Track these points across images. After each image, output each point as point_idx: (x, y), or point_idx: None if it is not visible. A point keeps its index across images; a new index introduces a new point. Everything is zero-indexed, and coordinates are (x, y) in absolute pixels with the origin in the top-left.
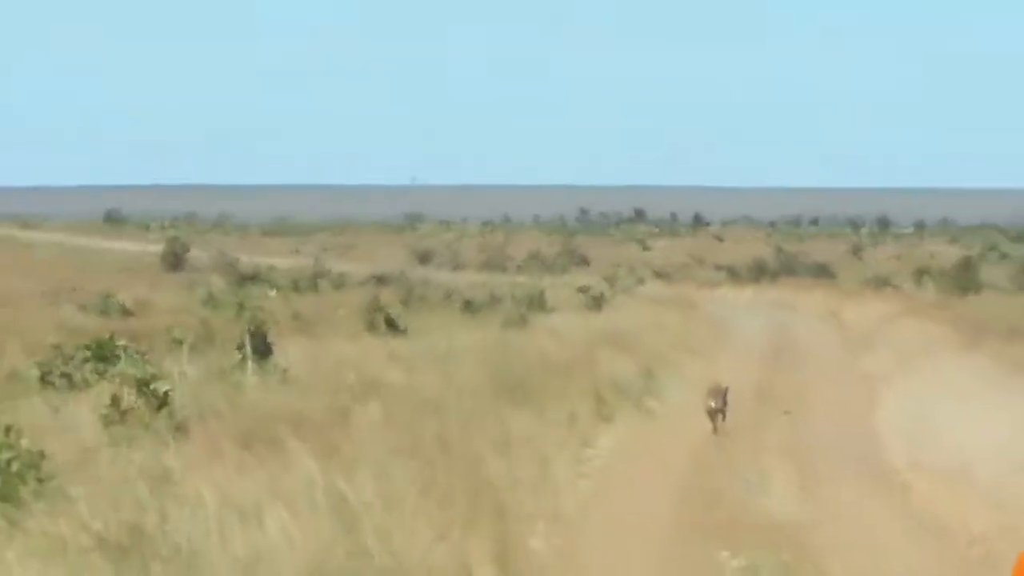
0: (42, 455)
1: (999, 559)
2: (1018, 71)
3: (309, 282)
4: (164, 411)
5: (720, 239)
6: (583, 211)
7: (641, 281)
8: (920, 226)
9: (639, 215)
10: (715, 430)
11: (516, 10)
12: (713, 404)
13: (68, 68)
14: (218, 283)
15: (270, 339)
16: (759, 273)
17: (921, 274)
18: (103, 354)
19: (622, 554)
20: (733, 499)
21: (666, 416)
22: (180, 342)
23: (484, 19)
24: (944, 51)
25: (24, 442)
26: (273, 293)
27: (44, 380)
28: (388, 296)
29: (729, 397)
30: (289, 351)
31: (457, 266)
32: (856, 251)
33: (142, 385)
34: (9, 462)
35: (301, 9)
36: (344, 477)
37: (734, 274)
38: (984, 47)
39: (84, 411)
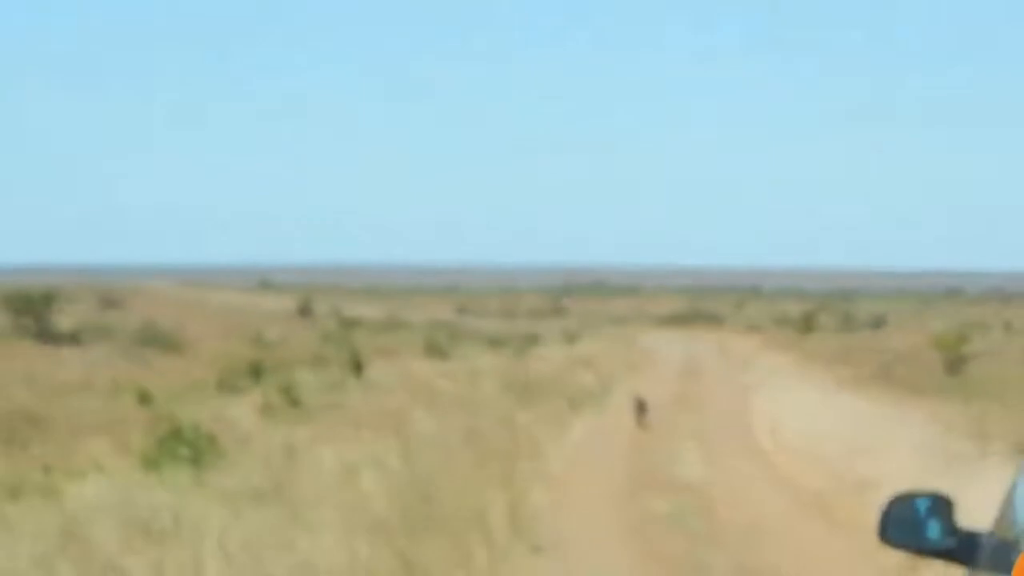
0: (215, 437)
1: (832, 505)
2: (855, 172)
3: (389, 325)
4: (298, 407)
5: (655, 297)
6: (566, 281)
7: (602, 325)
8: (780, 291)
9: (600, 283)
10: (639, 425)
11: (511, 130)
12: (638, 410)
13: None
14: (331, 326)
15: (364, 361)
16: (678, 320)
17: (779, 322)
18: (256, 371)
19: (590, 503)
20: (659, 467)
21: (615, 413)
22: (307, 363)
23: (486, 140)
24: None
25: (205, 427)
26: (367, 332)
27: (219, 388)
28: (439, 334)
29: (649, 405)
30: (376, 369)
31: (484, 316)
32: (738, 306)
33: (283, 390)
34: (196, 440)
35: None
36: (411, 449)
37: (662, 321)
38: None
39: (244, 408)
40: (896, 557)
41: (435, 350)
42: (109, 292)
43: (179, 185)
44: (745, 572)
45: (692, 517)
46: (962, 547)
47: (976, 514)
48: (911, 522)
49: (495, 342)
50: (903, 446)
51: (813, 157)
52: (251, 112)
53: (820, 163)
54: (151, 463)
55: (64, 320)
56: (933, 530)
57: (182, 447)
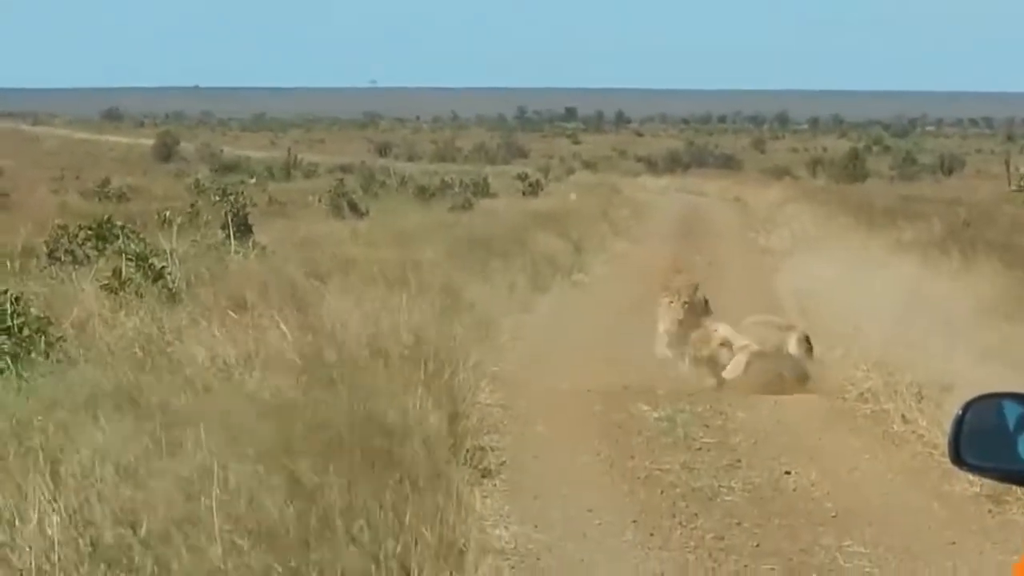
0: (49, 321)
1: (883, 411)
2: None
3: (282, 171)
4: (159, 283)
5: (640, 134)
6: (521, 110)
7: (571, 171)
8: (814, 123)
9: (570, 113)
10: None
11: None
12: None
13: None
14: (203, 172)
15: (250, 220)
16: (673, 164)
17: (815, 164)
18: (102, 233)
19: (556, 409)
20: (651, 362)
21: (592, 286)
22: (170, 223)
23: None
24: None
25: (33, 310)
26: (252, 181)
27: (51, 256)
28: (351, 183)
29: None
30: (266, 231)
31: (412, 157)
32: (758, 144)
33: (140, 260)
34: (20, 327)
35: None
36: (314, 339)
37: (652, 165)
38: None
39: (87, 283)
40: None
41: (346, 204)
42: None
43: None
44: None
45: None
46: None
47: None
48: (996, 435)
49: (428, 193)
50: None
51: None
52: None
53: None
54: None
55: None
56: None
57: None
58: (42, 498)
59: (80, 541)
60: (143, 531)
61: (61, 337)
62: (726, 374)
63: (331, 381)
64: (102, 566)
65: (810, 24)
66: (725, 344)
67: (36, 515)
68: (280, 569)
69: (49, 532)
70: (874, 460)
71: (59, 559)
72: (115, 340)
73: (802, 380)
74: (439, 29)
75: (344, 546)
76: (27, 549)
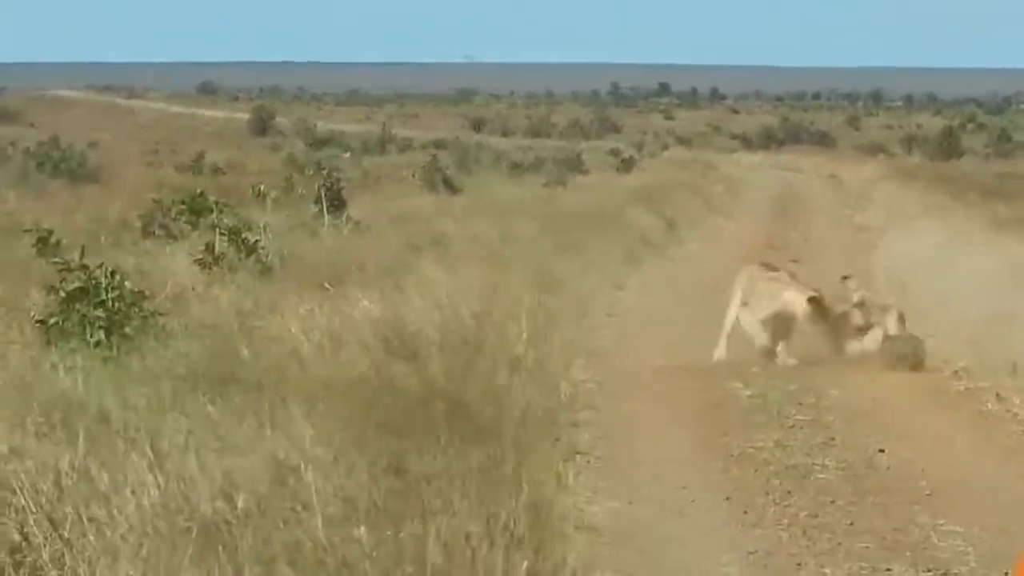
0: (143, 295)
1: (977, 389)
2: None
3: (377, 145)
4: (252, 257)
5: (735, 111)
6: (614, 85)
7: (665, 147)
8: (909, 100)
9: (664, 89)
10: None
11: None
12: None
13: None
14: (298, 146)
15: (344, 194)
16: (768, 140)
17: (910, 141)
18: (196, 207)
19: (649, 386)
20: (743, 336)
21: (685, 262)
22: (264, 197)
23: None
24: None
25: (128, 283)
26: (346, 155)
27: (145, 230)
28: (445, 158)
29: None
30: (359, 205)
31: (506, 133)
32: (852, 121)
33: (233, 234)
34: (114, 301)
35: None
36: (408, 313)
37: (746, 141)
38: None
39: (180, 257)
40: None
41: (440, 179)
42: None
43: None
44: None
45: None
46: None
47: None
48: None
49: (522, 168)
50: None
51: None
52: None
53: None
54: (52, 332)
55: None
56: None
57: (95, 310)
58: (140, 471)
59: (180, 516)
60: (241, 504)
61: (155, 311)
62: (865, 343)
63: (427, 356)
64: (200, 539)
65: (905, 1)
66: (861, 305)
67: (133, 488)
68: (389, 541)
69: (146, 505)
70: (968, 438)
71: (157, 531)
72: (208, 314)
73: (921, 360)
74: (534, 4)
75: (446, 519)
76: (125, 523)
